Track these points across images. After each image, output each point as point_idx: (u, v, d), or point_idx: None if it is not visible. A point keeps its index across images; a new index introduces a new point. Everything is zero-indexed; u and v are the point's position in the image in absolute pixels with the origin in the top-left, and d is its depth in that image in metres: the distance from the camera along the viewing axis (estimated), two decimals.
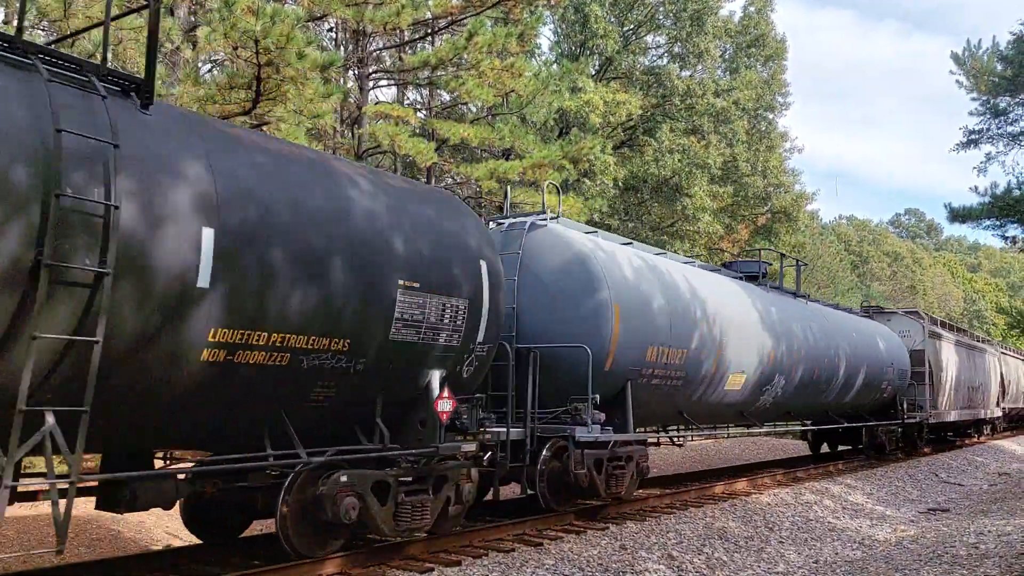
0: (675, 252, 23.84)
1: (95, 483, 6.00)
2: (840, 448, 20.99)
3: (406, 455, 7.18)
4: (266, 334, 5.75)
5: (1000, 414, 30.91)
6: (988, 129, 18.78)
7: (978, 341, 29.76)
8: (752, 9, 33.62)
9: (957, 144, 19.60)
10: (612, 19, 29.12)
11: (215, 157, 5.66)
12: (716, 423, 13.66)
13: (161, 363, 5.25)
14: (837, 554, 9.91)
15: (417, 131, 18.56)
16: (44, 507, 10.15)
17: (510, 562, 7.52)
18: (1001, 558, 8.51)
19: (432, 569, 7.03)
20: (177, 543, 8.61)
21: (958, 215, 19.02)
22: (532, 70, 19.26)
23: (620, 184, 27.22)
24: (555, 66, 22.57)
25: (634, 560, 8.15)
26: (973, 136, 19.06)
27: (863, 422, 18.24)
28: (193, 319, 5.31)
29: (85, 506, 10.41)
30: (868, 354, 17.60)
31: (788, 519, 11.31)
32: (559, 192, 14.39)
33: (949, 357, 22.83)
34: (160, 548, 8.05)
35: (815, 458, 20.02)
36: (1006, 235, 19.63)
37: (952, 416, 23.08)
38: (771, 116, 34.07)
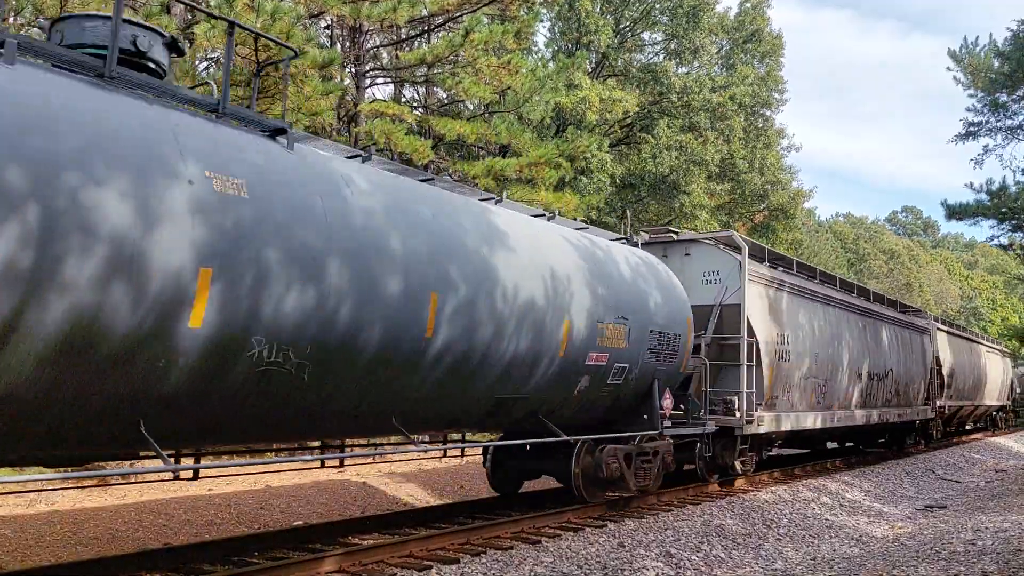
0: None
1: None
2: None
3: None
4: None
5: (931, 415, 21.63)
6: (987, 122, 18.81)
7: (885, 305, 19.88)
8: (748, 5, 33.61)
9: (956, 135, 19.65)
10: (608, 16, 29.13)
11: None
12: None
13: None
14: (835, 551, 9.92)
15: (414, 128, 18.53)
16: (39, 506, 10.13)
17: (508, 560, 7.52)
18: (999, 554, 8.52)
19: (431, 567, 7.03)
20: (175, 542, 8.59)
21: (955, 212, 19.05)
22: (529, 67, 19.25)
23: (617, 181, 27.23)
24: (551, 63, 22.56)
25: (632, 558, 8.15)
26: (972, 128, 19.09)
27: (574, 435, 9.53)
28: None
29: (84, 502, 10.39)
30: (542, 304, 8.40)
31: (786, 516, 11.32)
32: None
33: (811, 320, 14.46)
34: (157, 547, 8.02)
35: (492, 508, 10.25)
36: (1003, 244, 19.68)
37: (812, 420, 14.55)
38: (768, 113, 34.08)
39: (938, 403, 22.13)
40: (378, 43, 21.29)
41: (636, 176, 28.46)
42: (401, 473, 14.97)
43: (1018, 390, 40.80)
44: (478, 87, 17.84)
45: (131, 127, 5.14)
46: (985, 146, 19.62)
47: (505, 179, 18.45)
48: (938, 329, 23.20)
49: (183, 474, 11.37)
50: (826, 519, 11.70)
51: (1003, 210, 17.78)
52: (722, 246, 12.82)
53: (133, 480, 11.67)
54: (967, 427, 31.31)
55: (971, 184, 19.16)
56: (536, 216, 9.95)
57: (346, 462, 14.59)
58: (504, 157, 19.74)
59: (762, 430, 12.73)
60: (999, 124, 18.61)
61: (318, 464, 14.41)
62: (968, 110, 19.40)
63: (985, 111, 18.66)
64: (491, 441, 10.17)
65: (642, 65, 30.78)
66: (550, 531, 8.90)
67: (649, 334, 10.26)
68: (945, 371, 23.17)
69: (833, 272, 17.91)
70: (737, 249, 12.76)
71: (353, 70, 19.14)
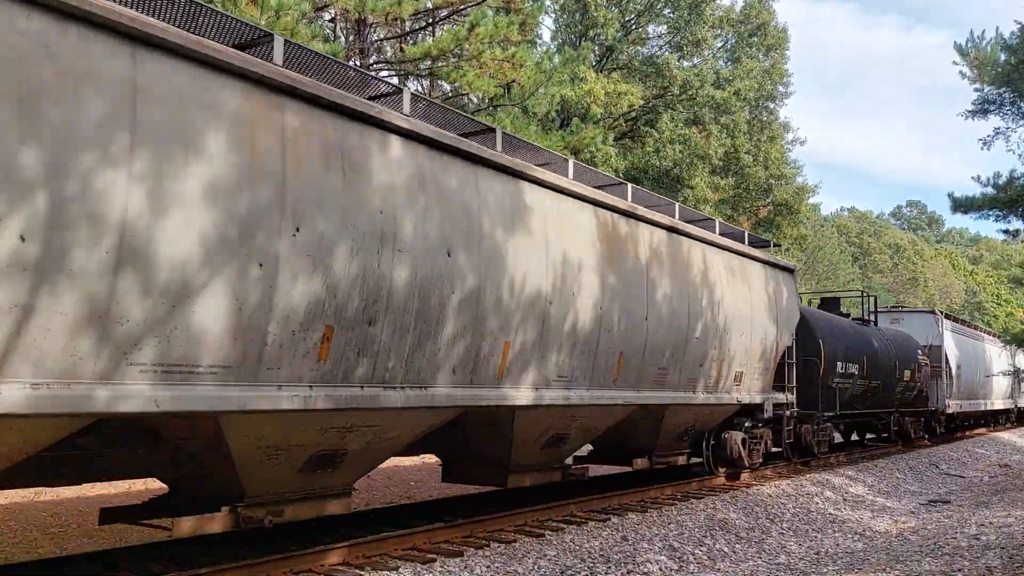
0: None
1: None
2: None
3: None
4: None
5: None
6: (1002, 101, 18.43)
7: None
8: None
9: (967, 111, 19.18)
10: (614, 8, 29.05)
11: None
12: None
13: None
14: (838, 545, 9.92)
15: None
16: (45, 495, 10.17)
17: (512, 553, 7.53)
18: (1003, 549, 8.52)
19: (435, 559, 7.04)
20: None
21: (961, 205, 18.88)
22: (534, 60, 19.18)
23: (621, 175, 27.18)
24: (556, 57, 22.50)
25: (635, 551, 8.16)
26: (986, 105, 18.69)
27: None
28: None
29: (87, 492, 10.43)
30: None
31: (789, 510, 11.32)
32: None
33: None
34: (163, 540, 8.04)
35: None
36: (1008, 229, 19.29)
37: None
38: (772, 106, 33.96)
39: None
40: (382, 36, 21.25)
41: (640, 170, 28.40)
42: (408, 466, 14.99)
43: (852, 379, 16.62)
44: (482, 81, 17.79)
45: None
46: (996, 128, 19.25)
47: None
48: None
49: None
50: (829, 513, 11.70)
51: (1009, 200, 17.59)
52: None
53: None
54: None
55: (978, 177, 18.93)
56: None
57: None
58: None
59: None
60: (1012, 109, 18.30)
61: None
62: (973, 104, 19.19)
63: (1003, 90, 18.25)
64: None
65: (645, 58, 30.71)
66: (553, 524, 8.92)
67: None
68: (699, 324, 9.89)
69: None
70: None
71: (358, 63, 19.10)
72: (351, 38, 20.99)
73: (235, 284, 5.27)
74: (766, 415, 13.19)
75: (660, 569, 7.80)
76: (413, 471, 14.42)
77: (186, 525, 5.82)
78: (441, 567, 6.87)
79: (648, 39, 31.59)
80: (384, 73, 21.20)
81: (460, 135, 7.72)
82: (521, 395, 7.92)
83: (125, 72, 4.74)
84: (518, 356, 7.82)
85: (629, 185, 10.29)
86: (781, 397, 13.74)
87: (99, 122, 4.57)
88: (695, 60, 31.08)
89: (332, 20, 22.43)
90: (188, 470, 6.45)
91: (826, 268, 49.04)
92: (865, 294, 22.09)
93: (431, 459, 16.14)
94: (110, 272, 4.62)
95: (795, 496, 12.29)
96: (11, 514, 9.22)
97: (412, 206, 6.57)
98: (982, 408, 27.83)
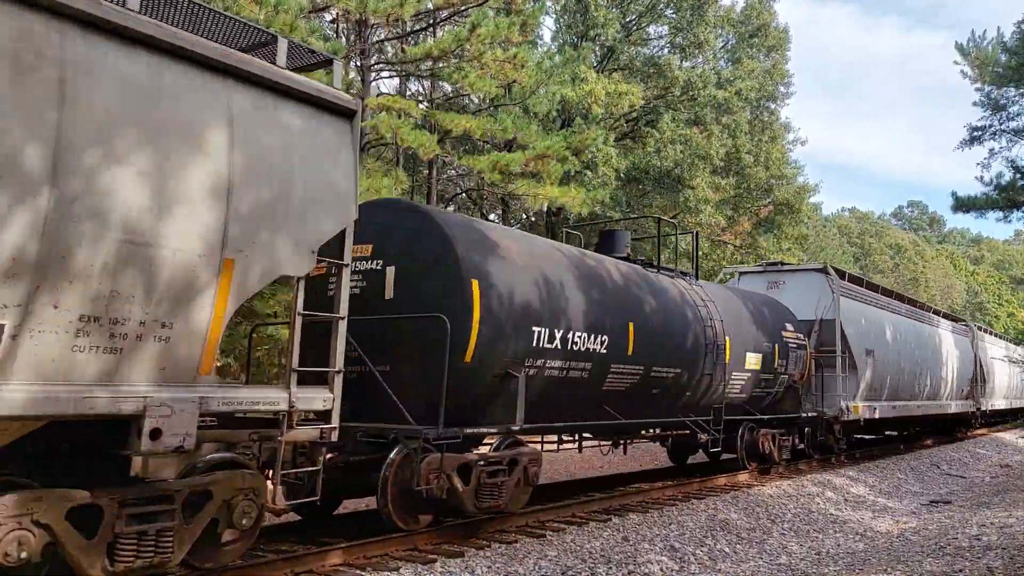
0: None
1: None
2: None
3: None
4: None
5: None
6: (991, 125, 18.55)
7: None
8: None
9: (961, 141, 19.27)
10: (615, 8, 29.05)
11: None
12: None
13: None
14: (839, 546, 9.92)
15: (419, 123, 18.51)
16: None
17: (513, 553, 7.54)
18: (1004, 550, 8.52)
19: (435, 560, 7.04)
20: None
21: (963, 204, 18.86)
22: (535, 60, 19.20)
23: (622, 175, 27.17)
24: (557, 56, 22.50)
25: (637, 552, 8.17)
26: (976, 133, 18.81)
27: None
28: None
29: None
30: None
31: (790, 511, 11.32)
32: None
33: None
34: None
35: None
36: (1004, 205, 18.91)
37: None
38: (773, 106, 33.94)
39: None
40: (383, 37, 21.27)
41: (641, 170, 28.40)
42: None
43: None
44: (483, 81, 17.81)
45: None
46: (991, 149, 19.29)
47: (510, 174, 18.40)
48: None
49: None
50: (831, 514, 11.70)
51: (1012, 199, 17.58)
52: None
53: None
54: None
55: (981, 178, 18.94)
56: None
57: None
58: (510, 151, 19.70)
59: None
60: (1003, 127, 18.35)
61: None
62: (975, 104, 19.21)
63: (988, 114, 18.37)
64: None
65: (646, 59, 30.70)
66: (554, 524, 8.92)
67: None
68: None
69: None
70: None
71: (359, 63, 19.12)
72: (352, 38, 21.01)
73: None
74: (169, 444, 5.15)
75: (661, 569, 7.81)
76: None
77: None
78: (442, 568, 6.88)
79: (649, 40, 31.58)
80: (385, 74, 21.22)
81: None
82: None
83: None
84: None
85: None
86: (276, 397, 6.03)
87: None
88: (697, 60, 31.07)
89: (333, 20, 22.46)
90: None
91: None
92: (660, 220, 13.80)
93: None
94: None
95: (796, 496, 12.29)
96: None
97: None
98: (917, 412, 20.06)
